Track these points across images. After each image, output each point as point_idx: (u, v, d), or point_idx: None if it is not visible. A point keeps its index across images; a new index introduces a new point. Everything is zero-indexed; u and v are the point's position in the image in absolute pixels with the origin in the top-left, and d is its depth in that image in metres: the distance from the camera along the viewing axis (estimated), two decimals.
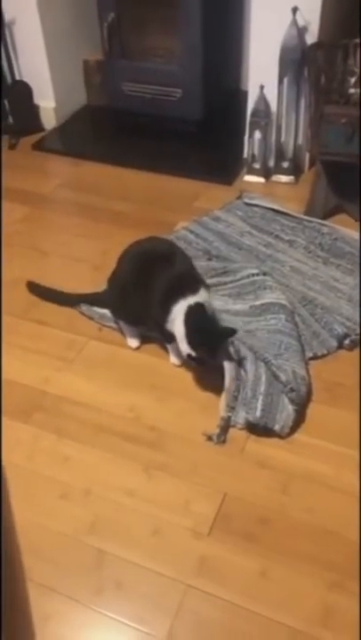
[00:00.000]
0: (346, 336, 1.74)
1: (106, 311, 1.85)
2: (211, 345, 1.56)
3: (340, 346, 1.74)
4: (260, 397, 1.55)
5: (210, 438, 1.52)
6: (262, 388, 1.57)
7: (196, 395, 1.63)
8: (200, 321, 1.55)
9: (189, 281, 1.60)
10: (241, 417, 1.54)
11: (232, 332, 1.57)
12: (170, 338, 1.64)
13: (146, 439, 1.53)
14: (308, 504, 1.38)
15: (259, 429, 1.52)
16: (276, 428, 1.51)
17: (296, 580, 1.26)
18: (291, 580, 1.25)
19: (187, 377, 1.69)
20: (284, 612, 1.21)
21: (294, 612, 1.20)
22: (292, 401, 1.55)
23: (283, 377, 1.58)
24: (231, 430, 1.54)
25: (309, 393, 1.61)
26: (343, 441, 1.50)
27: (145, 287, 1.61)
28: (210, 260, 2.02)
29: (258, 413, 1.52)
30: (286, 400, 1.55)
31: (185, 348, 1.55)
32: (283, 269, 1.99)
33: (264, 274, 1.92)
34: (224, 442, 1.52)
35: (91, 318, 1.86)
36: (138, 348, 1.77)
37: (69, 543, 1.33)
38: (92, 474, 1.47)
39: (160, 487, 1.43)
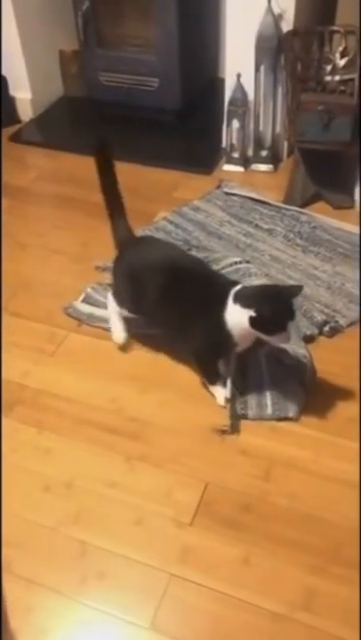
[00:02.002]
0: (325, 323, 1.75)
1: (93, 310, 1.83)
2: (284, 302, 1.39)
3: (320, 333, 1.75)
4: (268, 392, 1.57)
5: (224, 432, 1.50)
6: (267, 381, 1.59)
7: (177, 385, 1.63)
8: (259, 287, 1.47)
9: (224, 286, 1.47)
10: (253, 412, 1.55)
11: (298, 288, 1.43)
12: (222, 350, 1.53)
13: (127, 430, 1.53)
14: (289, 490, 1.39)
15: None
16: (291, 414, 1.53)
17: (278, 565, 1.27)
18: (273, 566, 1.26)
19: (167, 368, 1.68)
20: (266, 597, 1.22)
21: (276, 597, 1.21)
22: (299, 383, 1.57)
23: (285, 360, 1.60)
24: (213, 419, 1.54)
25: (313, 370, 1.63)
26: (323, 427, 1.51)
27: (176, 302, 1.52)
28: (190, 250, 2.02)
29: (269, 410, 1.54)
30: (293, 383, 1.57)
31: (260, 320, 1.37)
32: (262, 258, 1.99)
33: (247, 262, 1.92)
34: (238, 432, 1.51)
35: (78, 319, 1.83)
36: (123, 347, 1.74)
37: (52, 535, 1.33)
38: (74, 466, 1.46)
39: (142, 477, 1.43)
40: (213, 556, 1.29)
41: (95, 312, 1.83)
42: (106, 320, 1.80)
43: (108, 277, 1.91)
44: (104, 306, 1.84)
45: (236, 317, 1.41)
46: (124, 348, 1.73)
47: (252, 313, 1.37)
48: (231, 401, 1.55)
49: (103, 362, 1.71)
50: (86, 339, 1.78)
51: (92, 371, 1.69)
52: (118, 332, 1.73)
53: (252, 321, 1.37)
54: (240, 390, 1.58)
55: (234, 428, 1.51)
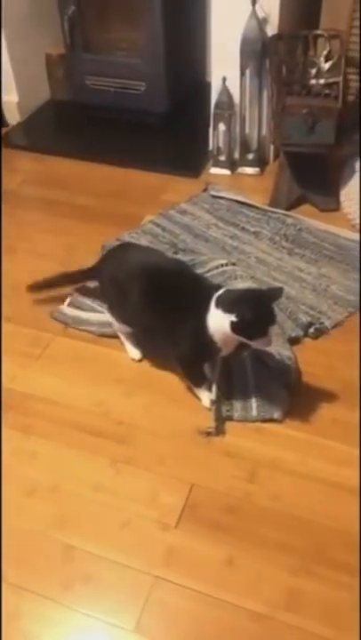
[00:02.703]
0: (310, 325, 1.76)
1: (79, 314, 1.84)
2: (264, 307, 1.38)
3: (306, 334, 1.76)
4: (253, 393, 1.58)
5: (209, 434, 1.51)
6: (252, 384, 1.60)
7: (162, 387, 1.64)
8: (240, 292, 1.44)
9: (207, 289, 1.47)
10: (238, 414, 1.55)
11: (279, 291, 1.43)
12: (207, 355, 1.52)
13: (113, 433, 1.54)
14: (274, 491, 1.40)
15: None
16: (275, 416, 1.54)
17: (262, 566, 1.27)
18: (257, 567, 1.27)
19: (153, 370, 1.69)
20: (250, 597, 1.22)
21: (260, 598, 1.22)
22: (284, 384, 1.59)
23: (270, 362, 1.61)
24: (198, 421, 1.54)
25: (298, 371, 1.64)
26: (308, 428, 1.52)
27: (159, 309, 1.52)
28: (176, 253, 2.02)
29: (254, 412, 1.55)
30: (278, 384, 1.58)
31: (240, 323, 1.36)
32: (248, 261, 2.00)
33: (233, 264, 1.93)
34: (223, 434, 1.52)
35: (64, 323, 1.83)
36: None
37: (37, 540, 1.33)
38: (60, 470, 1.47)
39: (128, 480, 1.44)
40: (198, 557, 1.29)
41: (81, 315, 1.84)
42: (92, 323, 1.81)
43: (93, 281, 1.92)
44: (90, 309, 1.85)
45: (218, 322, 1.40)
46: (105, 347, 1.75)
47: (233, 318, 1.36)
48: (216, 403, 1.56)
49: (89, 365, 1.71)
50: (72, 342, 1.78)
51: (78, 374, 1.69)
52: (131, 349, 1.72)
53: (233, 326, 1.37)
54: (225, 392, 1.59)
55: (219, 430, 1.52)
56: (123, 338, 1.72)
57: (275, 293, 1.42)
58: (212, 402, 1.57)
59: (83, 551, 1.31)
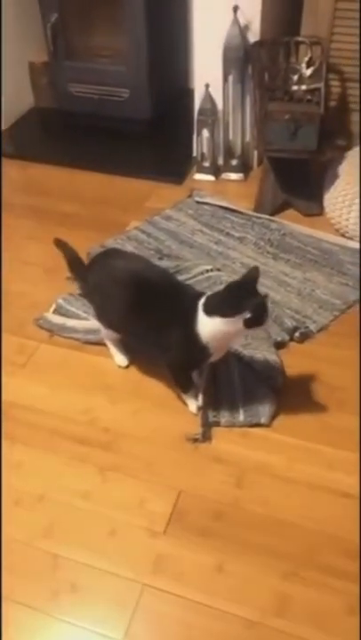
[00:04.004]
0: (296, 329, 1.76)
1: (65, 321, 1.82)
2: (256, 290, 1.37)
3: (291, 339, 1.76)
4: (239, 398, 1.58)
5: (196, 440, 1.50)
6: (238, 388, 1.60)
7: (149, 394, 1.63)
8: (228, 290, 1.39)
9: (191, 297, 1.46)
10: (225, 420, 1.55)
11: (255, 270, 1.39)
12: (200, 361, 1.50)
13: (100, 441, 1.52)
14: (261, 496, 1.39)
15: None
16: (262, 421, 1.54)
17: (251, 571, 1.27)
18: (246, 573, 1.26)
19: (140, 377, 1.68)
20: (239, 604, 1.22)
21: (250, 604, 1.21)
22: (270, 389, 1.58)
23: (256, 366, 1.62)
24: (185, 427, 1.54)
25: (284, 376, 1.64)
26: (295, 432, 1.52)
27: (146, 317, 1.50)
28: (161, 259, 2.02)
29: (241, 417, 1.54)
30: (264, 389, 1.58)
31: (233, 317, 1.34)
32: (233, 266, 2.00)
33: (218, 270, 1.93)
34: (210, 440, 1.51)
35: (49, 330, 1.81)
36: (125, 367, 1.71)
37: (23, 549, 1.32)
38: (46, 479, 1.45)
39: (115, 488, 1.43)
40: (186, 564, 1.28)
41: (67, 323, 1.82)
42: (77, 330, 1.80)
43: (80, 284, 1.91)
44: (75, 316, 1.84)
45: (211, 328, 1.39)
46: (91, 354, 1.74)
47: (247, 315, 1.33)
48: (203, 409, 1.55)
49: (75, 373, 1.70)
50: (58, 350, 1.77)
51: (63, 382, 1.68)
52: (118, 356, 1.71)
53: (249, 322, 1.34)
54: (212, 398, 1.58)
55: (206, 436, 1.51)
56: (110, 344, 1.71)
57: (252, 275, 1.38)
58: (199, 408, 1.56)
59: (69, 560, 1.30)
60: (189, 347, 1.44)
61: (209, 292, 1.44)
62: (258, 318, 1.35)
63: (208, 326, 1.39)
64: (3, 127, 2.83)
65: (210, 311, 1.38)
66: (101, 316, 1.63)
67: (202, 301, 1.41)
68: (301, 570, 1.26)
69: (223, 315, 1.36)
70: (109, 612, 1.22)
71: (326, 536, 1.32)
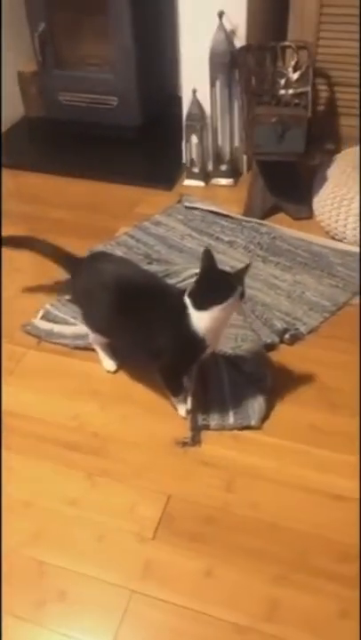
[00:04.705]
0: (286, 331, 1.75)
1: (52, 327, 1.81)
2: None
3: (281, 341, 1.75)
4: (229, 401, 1.56)
5: (185, 444, 1.48)
6: (228, 391, 1.58)
7: (138, 399, 1.62)
8: (206, 279, 1.38)
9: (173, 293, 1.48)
10: (215, 423, 1.53)
11: (208, 252, 1.37)
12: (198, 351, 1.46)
13: (89, 446, 1.51)
14: (252, 500, 1.37)
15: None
16: (253, 423, 1.52)
17: (241, 576, 1.25)
18: (236, 578, 1.24)
19: (128, 382, 1.67)
20: (229, 609, 1.19)
21: (240, 609, 1.19)
22: (260, 391, 1.57)
23: (246, 368, 1.60)
24: (174, 431, 1.52)
25: (274, 379, 1.62)
26: (285, 435, 1.50)
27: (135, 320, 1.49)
28: (150, 263, 2.02)
29: (231, 420, 1.52)
30: (254, 391, 1.57)
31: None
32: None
33: None
34: (200, 443, 1.49)
35: (37, 337, 1.80)
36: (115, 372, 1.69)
37: (8, 557, 1.29)
38: (34, 485, 1.43)
39: (104, 493, 1.41)
40: (175, 569, 1.26)
41: (54, 329, 1.81)
42: (65, 336, 1.79)
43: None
44: (63, 322, 1.83)
45: (208, 321, 1.38)
46: (79, 360, 1.72)
47: (240, 289, 1.36)
48: (192, 412, 1.54)
49: (63, 378, 1.69)
50: (46, 355, 1.75)
51: (51, 388, 1.66)
52: (106, 360, 1.69)
53: (242, 294, 1.38)
54: (201, 401, 1.56)
55: (195, 440, 1.49)
56: (98, 349, 1.70)
57: (208, 257, 1.37)
58: (188, 411, 1.54)
59: (56, 567, 1.27)
60: (185, 345, 1.43)
61: (188, 289, 1.42)
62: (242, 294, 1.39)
63: (204, 320, 1.38)
64: None
65: (204, 305, 1.37)
66: (88, 319, 1.62)
67: (187, 299, 1.39)
68: (292, 573, 1.24)
69: (220, 302, 1.35)
70: (97, 619, 1.20)
71: (318, 539, 1.30)
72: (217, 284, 1.37)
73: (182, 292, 1.44)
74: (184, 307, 1.40)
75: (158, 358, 1.51)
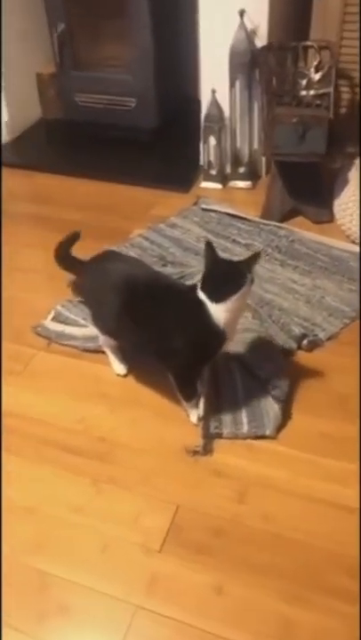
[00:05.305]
0: (304, 337, 1.68)
1: (63, 328, 1.76)
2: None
3: (299, 347, 1.68)
4: (243, 408, 1.50)
5: (196, 453, 1.42)
6: (242, 398, 1.52)
7: (147, 404, 1.56)
8: (216, 270, 1.37)
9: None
10: (228, 431, 1.46)
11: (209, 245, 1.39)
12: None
13: (95, 451, 1.45)
14: (263, 511, 1.30)
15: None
16: (268, 433, 1.45)
17: (252, 593, 1.17)
18: (246, 594, 1.17)
19: (138, 386, 1.61)
20: (240, 629, 1.12)
21: (250, 628, 1.12)
22: (276, 399, 1.50)
23: (262, 375, 1.54)
24: (185, 438, 1.46)
25: (291, 386, 1.55)
26: (299, 445, 1.43)
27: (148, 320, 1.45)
28: (165, 265, 1.97)
29: (245, 428, 1.46)
30: (270, 399, 1.50)
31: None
32: None
33: None
34: (211, 452, 1.43)
35: (47, 338, 1.75)
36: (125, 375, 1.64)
37: (10, 566, 1.24)
38: (37, 491, 1.38)
39: (109, 501, 1.35)
40: (182, 584, 1.19)
41: (65, 330, 1.76)
42: (76, 338, 1.74)
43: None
44: (74, 323, 1.78)
45: (226, 312, 1.35)
46: (89, 362, 1.68)
47: (250, 277, 1.34)
48: (204, 420, 1.47)
49: (71, 381, 1.63)
50: (55, 357, 1.71)
51: (59, 390, 1.61)
52: (116, 364, 1.64)
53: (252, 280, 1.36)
54: (213, 408, 1.50)
55: (207, 449, 1.43)
56: (108, 351, 1.64)
57: (211, 249, 1.38)
58: (200, 418, 1.48)
59: (59, 578, 1.21)
60: (206, 340, 1.41)
61: (199, 284, 1.38)
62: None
63: (223, 312, 1.35)
64: (8, 138, 2.82)
65: (221, 297, 1.34)
66: (98, 320, 1.57)
67: (201, 294, 1.36)
68: (306, 591, 1.17)
69: (235, 292, 1.33)
70: (100, 635, 1.14)
71: (333, 554, 1.22)
72: (227, 275, 1.35)
73: (193, 287, 1.39)
74: (200, 302, 1.36)
75: (172, 359, 1.46)
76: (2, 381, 1.63)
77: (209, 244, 1.37)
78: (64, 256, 1.80)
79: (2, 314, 1.85)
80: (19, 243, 2.21)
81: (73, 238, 1.83)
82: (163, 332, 1.43)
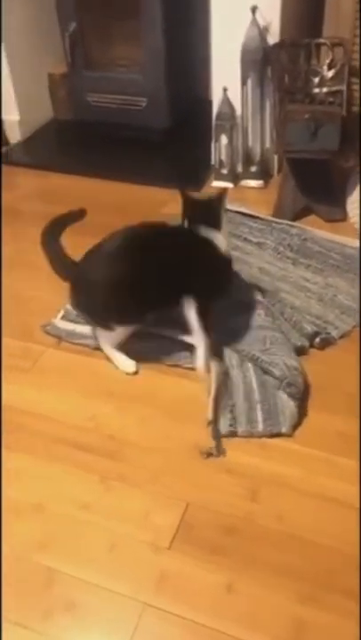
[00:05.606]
0: (316, 334, 1.65)
1: (74, 327, 1.74)
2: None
3: (311, 345, 1.65)
4: (258, 406, 1.47)
5: (210, 455, 1.39)
6: (257, 396, 1.50)
7: (157, 401, 1.54)
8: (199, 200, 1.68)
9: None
10: (243, 430, 1.44)
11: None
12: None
13: (104, 449, 1.43)
14: (277, 510, 1.27)
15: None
16: (283, 430, 1.43)
17: (265, 593, 1.15)
18: (258, 594, 1.14)
19: (148, 384, 1.59)
20: (251, 629, 1.10)
21: (263, 629, 1.09)
22: (291, 396, 1.48)
23: (276, 372, 1.51)
24: (195, 436, 1.43)
25: (306, 383, 1.53)
26: (313, 443, 1.41)
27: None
28: None
29: (260, 427, 1.44)
30: (285, 396, 1.48)
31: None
32: (251, 271, 1.91)
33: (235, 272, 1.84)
34: (225, 453, 1.40)
35: (57, 337, 1.74)
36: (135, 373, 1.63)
37: (17, 563, 1.22)
38: (45, 488, 1.36)
39: (118, 499, 1.33)
40: (193, 583, 1.17)
41: (76, 329, 1.74)
42: (87, 336, 1.72)
43: None
44: (84, 321, 1.76)
45: (223, 238, 1.62)
46: (99, 359, 1.65)
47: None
48: (213, 423, 1.45)
49: (81, 378, 1.62)
50: (64, 354, 1.69)
51: (69, 387, 1.59)
52: (125, 361, 1.62)
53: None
54: (221, 410, 1.47)
55: (219, 450, 1.40)
56: (113, 352, 1.62)
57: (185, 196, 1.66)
58: (209, 422, 1.45)
59: (66, 575, 1.19)
60: (222, 268, 1.63)
61: (191, 226, 1.62)
62: None
63: (223, 239, 1.63)
64: (20, 138, 2.83)
65: (219, 224, 1.62)
66: (110, 305, 1.53)
67: (201, 230, 1.59)
68: (319, 592, 1.14)
69: (220, 221, 1.62)
70: (107, 633, 1.12)
71: (345, 555, 1.19)
72: (208, 210, 1.61)
73: (185, 228, 1.62)
74: (203, 237, 1.58)
75: (193, 297, 1.55)
76: (9, 378, 1.62)
77: (183, 192, 1.64)
78: (52, 240, 1.70)
79: (1, 310, 1.84)
80: (31, 241, 2.18)
81: (74, 216, 1.78)
82: (179, 272, 1.54)
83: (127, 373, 1.62)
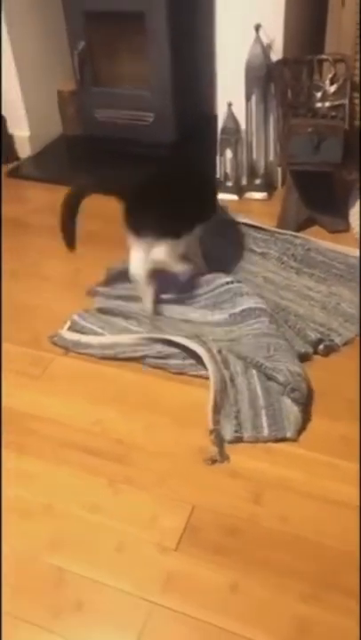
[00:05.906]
0: (320, 341, 1.69)
1: (79, 337, 1.77)
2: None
3: (315, 352, 1.68)
4: (263, 412, 1.50)
5: (215, 461, 1.42)
6: (261, 402, 1.53)
7: (163, 407, 1.57)
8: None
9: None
10: (248, 435, 1.47)
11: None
12: None
13: (112, 453, 1.46)
14: (280, 513, 1.30)
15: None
16: (288, 435, 1.45)
17: (269, 593, 1.17)
18: (263, 594, 1.17)
19: (155, 389, 1.62)
20: (256, 627, 1.12)
21: (268, 628, 1.12)
22: (295, 401, 1.50)
23: (280, 378, 1.54)
24: (200, 440, 1.46)
25: (310, 388, 1.56)
26: (317, 447, 1.43)
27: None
28: None
29: (266, 432, 1.46)
30: (289, 402, 1.50)
31: None
32: (255, 280, 1.95)
33: (238, 281, 1.88)
34: (229, 459, 1.43)
35: (64, 347, 1.77)
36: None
37: (27, 563, 1.25)
38: (54, 490, 1.39)
39: (126, 501, 1.36)
40: (199, 583, 1.19)
41: (81, 339, 1.77)
42: (92, 346, 1.75)
43: (97, 302, 1.90)
44: (90, 332, 1.79)
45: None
46: (107, 366, 1.70)
47: None
48: (215, 430, 1.48)
49: (89, 384, 1.65)
50: (73, 362, 1.73)
51: (77, 393, 1.63)
52: (149, 302, 1.85)
53: None
54: (220, 416, 1.51)
55: (223, 456, 1.43)
56: (148, 289, 1.84)
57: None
58: (211, 431, 1.48)
59: (75, 575, 1.22)
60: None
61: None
62: None
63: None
64: (30, 153, 2.89)
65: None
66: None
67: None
68: (323, 592, 1.16)
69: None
70: (115, 631, 1.14)
71: (348, 556, 1.21)
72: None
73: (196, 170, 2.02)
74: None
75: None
76: (20, 385, 1.66)
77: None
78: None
79: (2, 317, 1.89)
80: (40, 253, 2.25)
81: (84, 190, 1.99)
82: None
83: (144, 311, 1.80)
